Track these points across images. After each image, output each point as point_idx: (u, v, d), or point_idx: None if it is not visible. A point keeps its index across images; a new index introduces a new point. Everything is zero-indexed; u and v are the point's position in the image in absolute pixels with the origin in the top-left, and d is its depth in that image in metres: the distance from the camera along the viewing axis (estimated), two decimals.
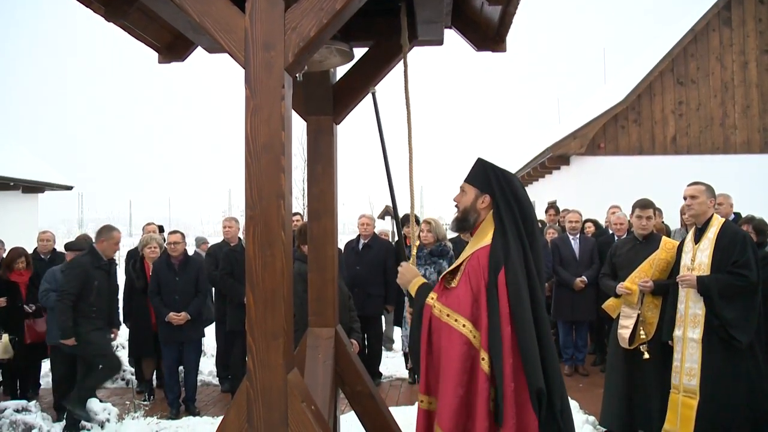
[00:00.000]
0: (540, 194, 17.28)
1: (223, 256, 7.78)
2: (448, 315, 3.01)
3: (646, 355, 5.51)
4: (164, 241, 7.95)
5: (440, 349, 3.00)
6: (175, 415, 6.96)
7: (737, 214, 6.67)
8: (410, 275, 3.33)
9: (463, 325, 2.95)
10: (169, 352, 7.17)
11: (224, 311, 7.86)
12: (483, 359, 2.88)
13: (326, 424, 2.91)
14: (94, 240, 6.94)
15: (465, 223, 3.29)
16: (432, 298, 3.12)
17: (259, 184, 2.59)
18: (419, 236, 7.02)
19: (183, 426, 6.56)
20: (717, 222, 5.23)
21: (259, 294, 2.58)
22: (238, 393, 2.66)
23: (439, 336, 3.02)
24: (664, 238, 5.86)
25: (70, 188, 19.70)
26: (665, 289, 5.60)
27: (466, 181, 3.30)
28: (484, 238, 3.12)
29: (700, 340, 5.07)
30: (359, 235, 8.50)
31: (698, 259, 5.21)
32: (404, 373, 8.55)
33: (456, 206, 3.32)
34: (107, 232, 6.62)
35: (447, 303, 3.04)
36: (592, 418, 6.14)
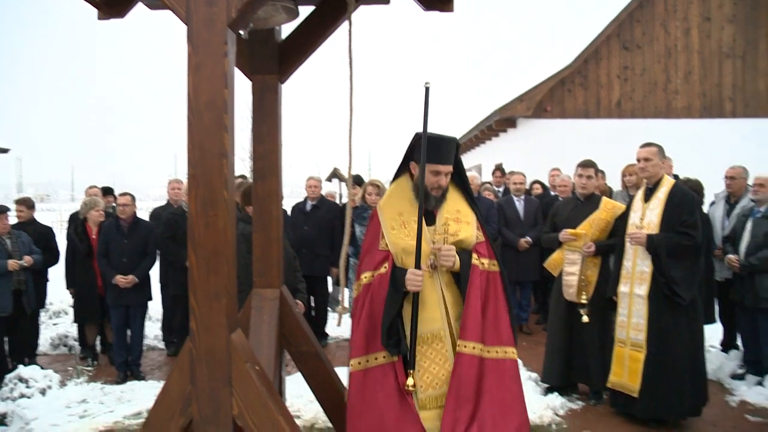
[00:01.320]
0: (487, 157, 17.40)
1: (164, 220, 7.67)
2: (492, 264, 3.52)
3: (586, 319, 5.66)
4: (112, 203, 7.79)
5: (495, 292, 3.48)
6: (122, 380, 6.89)
7: (676, 176, 6.83)
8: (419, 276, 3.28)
9: (494, 264, 3.52)
10: (116, 316, 7.07)
11: (169, 275, 7.79)
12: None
13: (271, 384, 2.91)
14: None
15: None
16: (476, 259, 3.43)
17: (201, 142, 2.54)
18: (364, 197, 7.03)
19: (127, 390, 6.51)
20: (667, 183, 5.36)
21: (201, 254, 2.55)
22: (181, 354, 2.64)
23: (493, 282, 3.47)
24: (604, 198, 5.98)
25: (5, 151, 19.06)
26: (605, 249, 5.75)
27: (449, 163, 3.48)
28: (459, 198, 3.59)
29: (647, 296, 5.22)
30: (307, 197, 8.46)
31: (648, 217, 5.32)
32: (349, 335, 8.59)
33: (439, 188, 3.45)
34: None
35: (488, 255, 3.51)
36: (534, 375, 6.29)
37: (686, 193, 5.35)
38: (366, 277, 3.42)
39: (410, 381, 3.21)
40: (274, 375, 3.53)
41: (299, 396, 5.57)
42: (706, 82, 15.08)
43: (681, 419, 5.35)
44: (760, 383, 6.28)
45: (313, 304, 8.28)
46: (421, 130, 3.32)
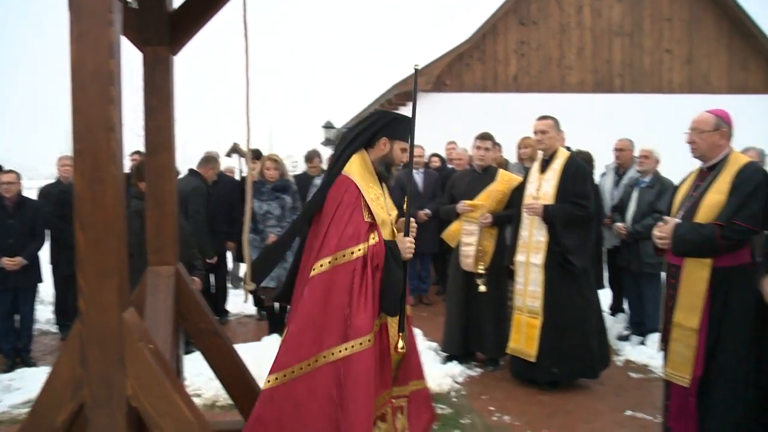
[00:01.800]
0: None
1: (54, 198, 7.37)
2: None
3: (483, 288, 5.81)
4: None
5: None
6: (10, 368, 6.58)
7: (569, 149, 7.05)
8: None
9: None
10: (2, 300, 6.74)
11: (60, 255, 7.48)
12: None
13: (167, 363, 2.85)
14: None
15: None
16: None
17: (86, 115, 2.44)
18: (262, 172, 6.94)
19: (17, 378, 6.21)
20: (562, 155, 5.54)
21: (89, 232, 2.45)
22: (70, 336, 2.55)
23: None
24: (500, 170, 6.14)
25: None
26: (502, 220, 5.91)
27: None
28: None
29: (543, 265, 5.41)
30: None
31: (543, 188, 5.49)
32: (252, 311, 8.53)
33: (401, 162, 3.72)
34: None
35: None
36: (434, 344, 6.43)
37: (580, 165, 5.55)
38: (360, 249, 3.30)
39: (401, 343, 3.38)
40: (171, 354, 3.46)
41: (199, 374, 5.50)
42: (597, 58, 15.63)
43: (574, 380, 5.59)
44: (642, 343, 6.67)
45: (213, 281, 8.15)
46: (367, 110, 3.42)
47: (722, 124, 3.89)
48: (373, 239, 3.34)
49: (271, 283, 6.83)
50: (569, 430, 4.71)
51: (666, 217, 3.97)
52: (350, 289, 3.24)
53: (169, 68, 3.69)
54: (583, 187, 5.43)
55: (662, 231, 3.89)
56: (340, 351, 3.17)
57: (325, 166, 7.86)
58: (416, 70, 3.71)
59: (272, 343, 6.41)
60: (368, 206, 3.39)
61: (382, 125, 3.68)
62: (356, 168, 3.54)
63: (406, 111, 15.74)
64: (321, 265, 3.26)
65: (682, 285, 3.85)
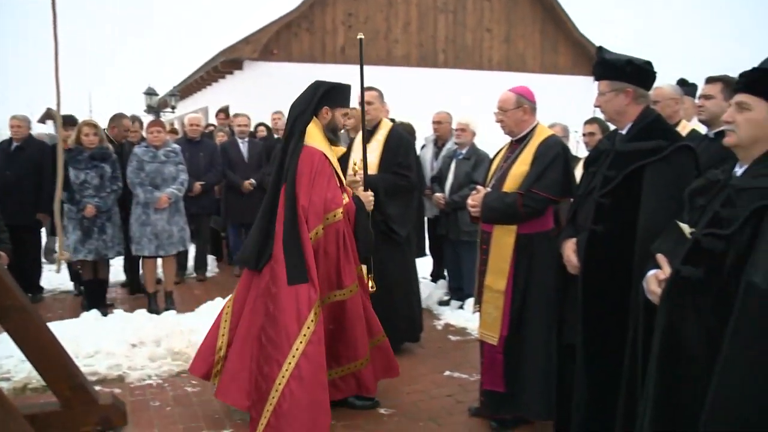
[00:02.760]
0: (213, 99, 17.03)
1: None
2: None
3: None
4: None
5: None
6: None
7: (392, 120, 7.19)
8: None
9: None
10: None
11: None
12: None
13: None
14: None
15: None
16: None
17: None
18: (79, 139, 6.51)
19: None
20: (386, 125, 5.62)
21: None
22: None
23: None
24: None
25: None
26: None
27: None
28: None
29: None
30: (11, 138, 7.63)
31: (368, 159, 5.54)
32: (69, 286, 8.04)
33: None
34: None
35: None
36: None
37: (402, 136, 5.67)
38: (341, 210, 4.12)
39: (371, 283, 4.51)
40: None
41: (9, 356, 5.11)
42: (423, 33, 16.07)
43: (399, 345, 5.76)
44: (461, 307, 7.01)
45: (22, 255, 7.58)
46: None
47: (524, 101, 4.08)
48: (346, 199, 4.19)
49: (89, 257, 6.47)
50: (393, 392, 4.85)
51: (479, 187, 4.18)
52: (338, 247, 4.09)
53: None
54: (405, 158, 5.55)
55: (474, 200, 4.08)
56: (335, 296, 4.16)
57: (144, 132, 7.49)
58: (360, 40, 4.35)
59: (91, 319, 6.08)
60: (336, 171, 4.13)
61: (321, 95, 4.26)
62: (317, 138, 4.16)
63: (232, 79, 15.42)
64: (317, 233, 4.02)
65: (491, 250, 4.07)
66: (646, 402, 2.45)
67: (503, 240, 4.01)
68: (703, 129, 4.35)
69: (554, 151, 3.94)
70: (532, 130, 4.11)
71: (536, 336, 3.96)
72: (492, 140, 5.93)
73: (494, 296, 4.05)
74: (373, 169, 5.48)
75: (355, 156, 5.65)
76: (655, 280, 2.48)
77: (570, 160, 4.04)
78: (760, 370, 2.07)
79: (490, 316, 4.07)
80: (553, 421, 3.70)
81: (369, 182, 5.40)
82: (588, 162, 3.54)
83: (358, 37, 4.38)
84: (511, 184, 3.98)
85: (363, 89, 4.74)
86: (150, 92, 19.52)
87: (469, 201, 4.14)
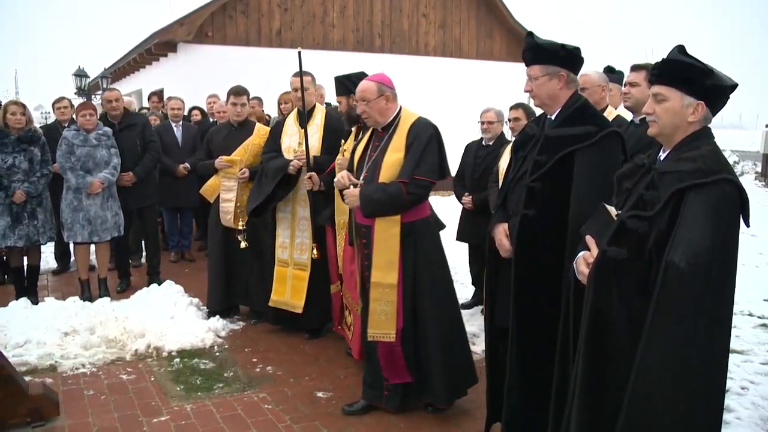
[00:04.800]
0: (146, 82, 16.66)
1: None
2: None
3: (244, 244, 5.82)
4: None
5: None
6: None
7: (328, 104, 7.22)
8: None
9: None
10: None
11: None
12: None
13: None
14: None
15: (352, 118, 5.01)
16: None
17: None
18: (5, 119, 6.27)
19: None
20: (320, 110, 5.67)
21: None
22: None
23: None
24: (258, 125, 6.13)
25: None
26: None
27: (337, 95, 5.15)
28: None
29: (310, 217, 5.46)
30: None
31: (310, 142, 5.53)
32: None
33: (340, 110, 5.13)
34: None
35: None
36: (196, 300, 6.32)
37: (337, 120, 5.69)
38: None
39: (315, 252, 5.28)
40: None
41: None
42: (359, 18, 16.03)
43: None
44: None
45: None
46: None
47: (385, 89, 4.06)
48: None
49: (19, 243, 6.29)
50: (329, 375, 4.90)
51: (346, 181, 4.13)
52: None
53: None
54: (338, 141, 5.57)
55: (349, 195, 4.02)
56: None
57: (75, 115, 7.25)
58: (299, 53, 4.47)
59: (20, 307, 5.92)
60: None
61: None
62: None
63: (166, 61, 15.12)
64: None
65: (375, 245, 3.99)
66: (575, 380, 2.54)
67: (388, 232, 3.95)
68: (628, 115, 4.49)
69: (427, 133, 3.96)
70: (397, 115, 4.10)
71: (433, 322, 3.99)
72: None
73: (385, 291, 3.99)
74: (315, 151, 5.47)
75: (291, 141, 5.65)
76: (583, 261, 2.57)
77: (442, 140, 4.06)
78: (680, 347, 2.19)
79: (382, 314, 4.00)
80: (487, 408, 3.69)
81: (312, 164, 5.40)
82: (516, 147, 3.56)
83: (297, 50, 4.40)
84: (387, 173, 3.94)
85: (304, 100, 5.12)
86: (80, 74, 18.98)
87: (345, 198, 4.08)
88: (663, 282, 2.19)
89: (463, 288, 7.30)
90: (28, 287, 6.68)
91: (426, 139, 3.92)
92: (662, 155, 2.51)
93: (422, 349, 4.02)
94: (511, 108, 5.94)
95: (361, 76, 4.57)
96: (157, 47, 14.43)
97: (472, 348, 5.38)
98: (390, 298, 3.96)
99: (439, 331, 3.99)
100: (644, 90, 3.90)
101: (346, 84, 5.08)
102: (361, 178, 4.05)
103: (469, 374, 4.19)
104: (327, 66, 11.33)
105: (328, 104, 6.84)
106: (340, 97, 5.22)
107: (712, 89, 2.38)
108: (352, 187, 4.04)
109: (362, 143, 4.27)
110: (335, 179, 4.28)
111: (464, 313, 6.38)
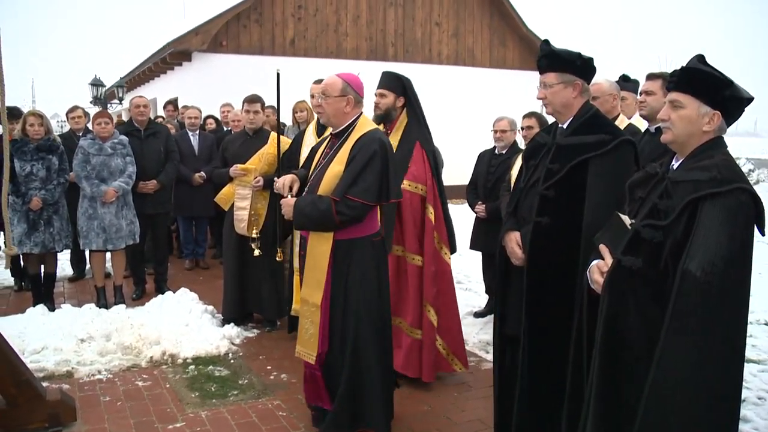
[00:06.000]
0: (162, 90, 16.79)
1: None
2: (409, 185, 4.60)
3: (257, 252, 5.83)
4: None
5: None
6: None
7: None
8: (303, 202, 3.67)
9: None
10: None
11: None
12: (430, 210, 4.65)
13: None
14: None
15: (388, 117, 4.72)
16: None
17: None
18: (24, 129, 6.36)
19: None
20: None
21: None
22: None
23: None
24: (272, 133, 6.17)
25: None
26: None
27: (384, 87, 4.72)
28: (401, 127, 4.74)
29: None
30: None
31: None
32: (10, 281, 7.88)
33: (378, 105, 4.71)
34: None
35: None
36: (211, 308, 6.36)
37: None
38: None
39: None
40: None
41: None
42: (372, 27, 16.10)
43: None
44: None
45: None
46: None
47: (350, 90, 3.72)
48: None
49: (35, 249, 6.35)
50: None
51: (277, 184, 3.91)
52: None
53: None
54: None
55: (284, 204, 3.76)
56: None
57: (90, 124, 7.33)
58: (278, 74, 4.11)
59: (38, 314, 5.98)
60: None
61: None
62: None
63: (181, 70, 15.23)
64: None
65: (307, 260, 3.75)
66: (590, 389, 2.54)
67: (319, 248, 3.66)
68: (642, 124, 4.48)
69: (371, 149, 3.57)
70: (353, 124, 3.77)
71: (364, 350, 3.68)
72: (440, 135, 6.01)
73: (310, 310, 3.72)
74: None
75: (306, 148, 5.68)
76: (597, 270, 2.57)
77: (390, 158, 3.67)
78: (695, 356, 2.19)
79: (306, 333, 3.74)
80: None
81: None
82: (527, 155, 3.55)
83: (276, 71, 4.16)
84: (326, 185, 3.64)
85: (279, 118, 4.80)
86: (96, 83, 19.15)
87: (282, 208, 3.80)
88: (679, 291, 2.20)
89: (477, 297, 7.32)
90: (44, 294, 6.74)
91: (368, 155, 3.55)
92: (675, 164, 2.51)
93: (352, 377, 3.69)
94: (524, 116, 5.95)
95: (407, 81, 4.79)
96: (172, 56, 14.55)
97: (487, 357, 5.43)
98: (314, 319, 3.68)
99: (372, 358, 3.69)
100: (659, 98, 3.90)
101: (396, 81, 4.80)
102: (308, 186, 3.80)
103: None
104: None
105: None
106: (384, 90, 4.77)
107: (729, 100, 2.40)
108: (289, 195, 3.78)
109: (321, 148, 3.98)
110: (274, 184, 3.96)
111: (478, 321, 6.47)
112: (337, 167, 3.63)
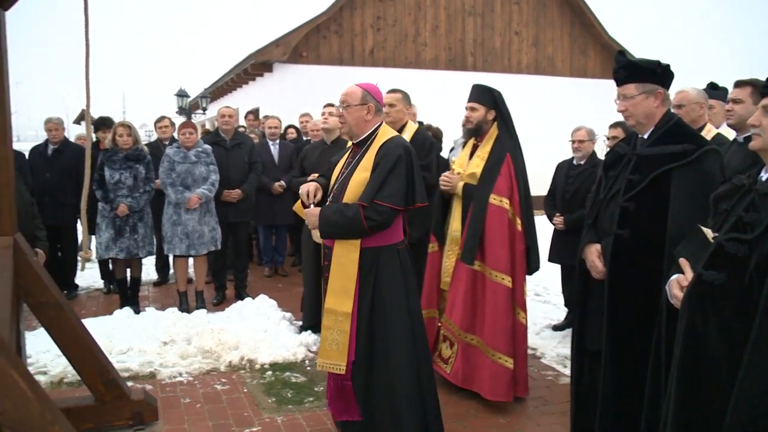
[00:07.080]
0: (243, 101, 17.20)
1: None
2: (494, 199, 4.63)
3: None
4: None
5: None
6: None
7: (420, 123, 7.26)
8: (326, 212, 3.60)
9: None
10: None
11: None
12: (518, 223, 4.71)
13: (2, 340, 2.73)
14: None
15: (479, 131, 4.83)
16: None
17: None
18: (114, 139, 6.65)
19: None
20: (411, 128, 5.68)
21: None
22: None
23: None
24: (350, 142, 6.22)
25: None
26: None
27: (475, 101, 4.81)
28: (491, 139, 4.81)
29: None
30: (47, 140, 7.82)
31: None
32: (101, 284, 8.22)
33: (469, 119, 4.83)
34: None
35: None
36: (289, 315, 6.46)
37: (426, 138, 5.72)
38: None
39: None
40: (11, 329, 3.30)
41: (46, 351, 5.27)
42: (451, 36, 16.09)
43: None
44: None
45: (58, 254, 7.77)
46: None
47: (370, 99, 3.71)
48: None
49: (120, 255, 6.60)
50: None
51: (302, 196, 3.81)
52: None
53: (1, 25, 3.47)
54: (425, 159, 5.59)
55: (308, 214, 3.69)
56: None
57: (176, 133, 7.60)
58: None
59: (124, 316, 6.22)
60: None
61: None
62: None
63: (262, 81, 15.57)
64: None
65: (332, 268, 3.63)
66: (668, 406, 2.46)
67: (346, 257, 3.58)
68: (730, 133, 4.32)
69: (395, 155, 3.54)
70: (374, 132, 3.74)
71: (393, 358, 3.57)
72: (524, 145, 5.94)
73: (338, 320, 3.59)
74: None
75: None
76: (677, 284, 2.49)
77: (414, 163, 3.63)
78: None
79: (333, 343, 3.60)
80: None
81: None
82: (606, 166, 3.48)
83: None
84: (352, 193, 3.58)
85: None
86: (181, 94, 19.77)
87: (306, 218, 3.73)
88: (765, 307, 2.11)
89: (556, 309, 7.19)
90: (130, 297, 7.00)
91: (393, 160, 3.53)
92: (764, 175, 2.39)
93: (380, 386, 3.60)
94: (611, 126, 5.84)
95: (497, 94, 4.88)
96: (254, 67, 14.90)
97: (564, 371, 5.32)
98: (343, 328, 3.56)
99: (400, 367, 3.57)
100: (748, 107, 3.75)
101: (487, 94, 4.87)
102: (330, 196, 3.77)
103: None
104: (419, 85, 11.41)
105: (420, 123, 6.87)
106: (475, 104, 4.83)
107: None
108: (312, 206, 3.72)
109: (343, 159, 3.96)
110: (300, 192, 3.86)
111: (557, 334, 6.35)
112: (362, 174, 3.59)
